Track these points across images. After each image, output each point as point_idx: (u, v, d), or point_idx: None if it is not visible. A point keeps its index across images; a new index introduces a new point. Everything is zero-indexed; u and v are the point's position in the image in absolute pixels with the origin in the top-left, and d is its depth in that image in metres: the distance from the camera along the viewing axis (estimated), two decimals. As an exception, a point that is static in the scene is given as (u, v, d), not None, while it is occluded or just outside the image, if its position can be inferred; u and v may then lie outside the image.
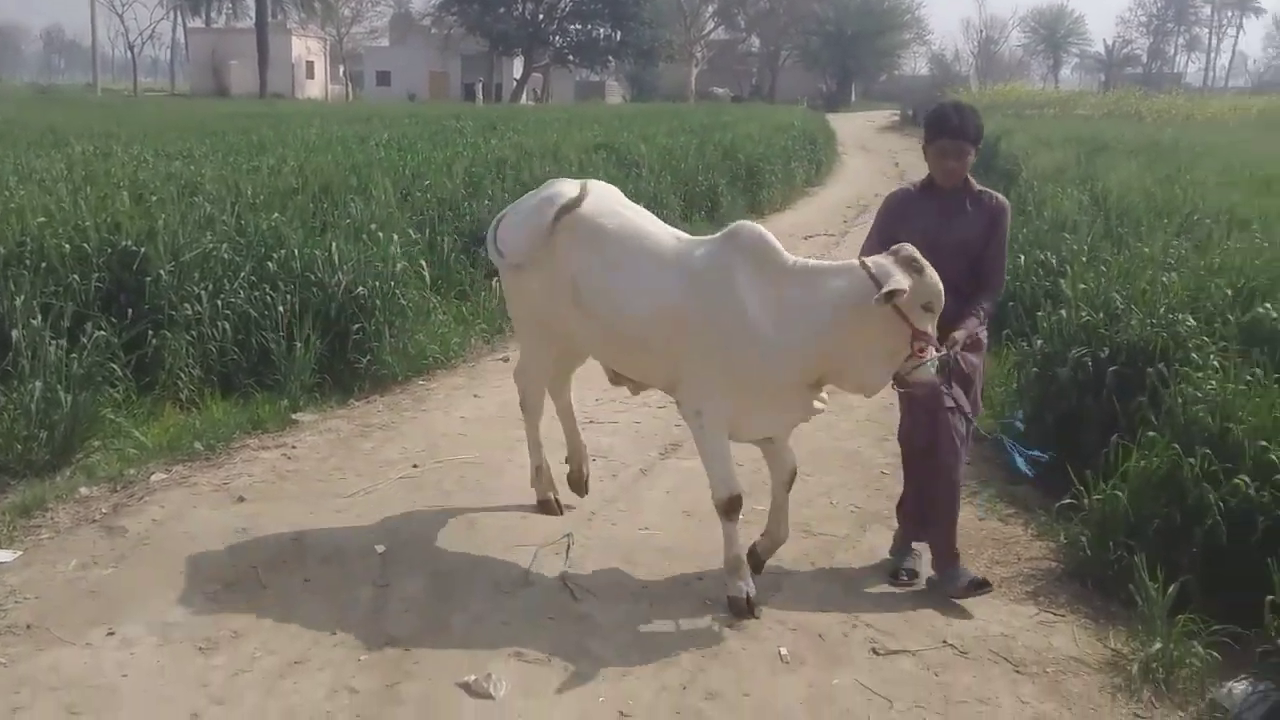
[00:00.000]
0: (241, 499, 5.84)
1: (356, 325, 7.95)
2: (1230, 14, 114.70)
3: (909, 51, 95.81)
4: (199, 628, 4.49)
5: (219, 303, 7.51)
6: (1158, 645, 4.36)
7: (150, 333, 7.06)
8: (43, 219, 7.66)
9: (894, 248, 4.47)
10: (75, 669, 4.16)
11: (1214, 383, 5.35)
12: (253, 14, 63.99)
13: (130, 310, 7.10)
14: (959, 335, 4.76)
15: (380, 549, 5.29)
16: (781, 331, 4.43)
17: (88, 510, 5.63)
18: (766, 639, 4.58)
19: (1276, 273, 6.97)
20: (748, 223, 4.71)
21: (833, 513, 5.91)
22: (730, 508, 4.73)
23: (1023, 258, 8.87)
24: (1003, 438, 4.93)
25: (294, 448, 6.65)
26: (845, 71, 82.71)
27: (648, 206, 14.14)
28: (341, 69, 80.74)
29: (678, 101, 60.43)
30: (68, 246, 7.31)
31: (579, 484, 5.87)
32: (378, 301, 8.16)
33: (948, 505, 5.00)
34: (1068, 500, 5.36)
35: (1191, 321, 6.17)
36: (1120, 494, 5.02)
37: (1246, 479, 4.70)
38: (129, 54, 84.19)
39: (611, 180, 14.02)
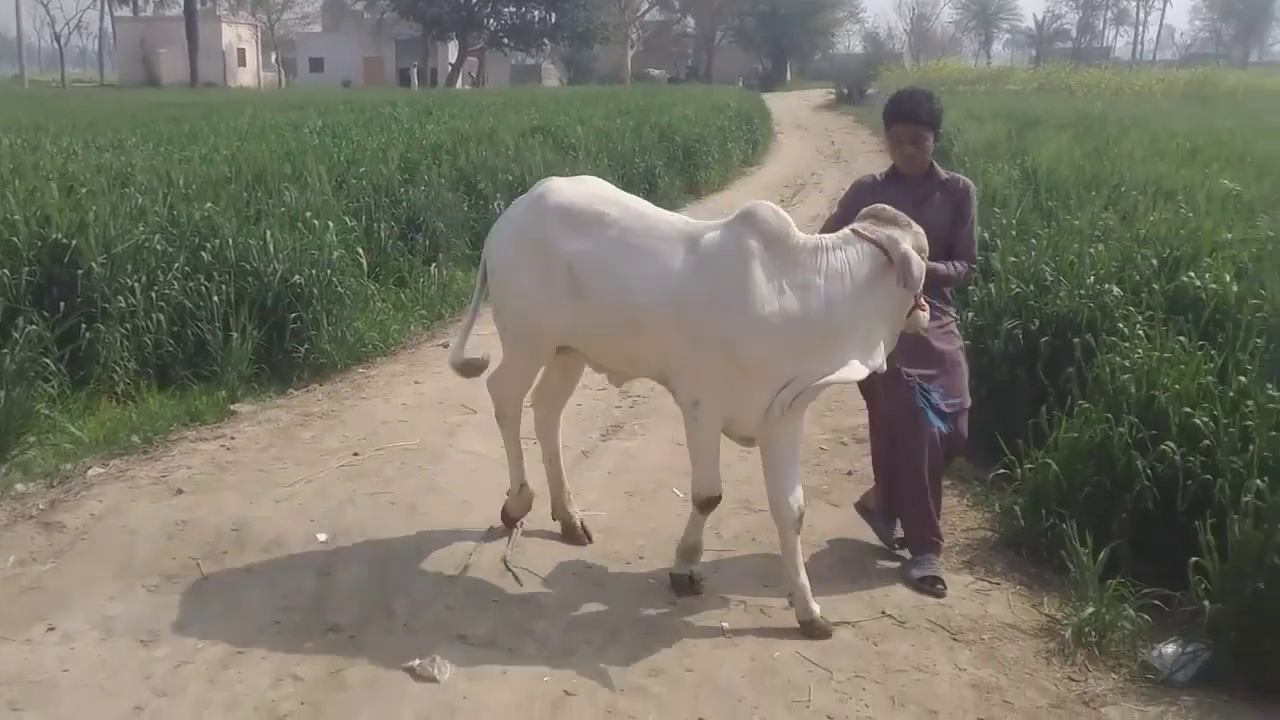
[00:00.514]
0: (180, 491, 5.81)
1: (294, 314, 7.91)
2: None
3: (843, 30, 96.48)
4: (140, 621, 4.47)
5: (153, 294, 7.44)
6: (1090, 610, 4.46)
7: (83, 326, 6.97)
8: (-31, 213, 7.54)
9: (869, 210, 4.43)
10: (15, 665, 4.13)
11: (1140, 351, 5.46)
12: (181, 1, 63.15)
13: (62, 304, 7.00)
14: (939, 267, 4.83)
15: (322, 537, 5.29)
16: (804, 313, 4.22)
17: (24, 507, 5.58)
18: (709, 615, 4.64)
19: (1200, 242, 7.12)
20: (763, 203, 4.43)
21: (773, 489, 5.96)
22: (708, 505, 4.69)
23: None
24: (918, 386, 4.91)
25: (233, 439, 6.62)
26: (780, 51, 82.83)
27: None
28: (274, 56, 79.86)
29: (614, 84, 60.36)
30: (-4, 241, 7.21)
31: (573, 531, 5.40)
32: (315, 290, 8.11)
33: (914, 495, 5.03)
34: (1001, 470, 5.47)
35: (1118, 292, 6.30)
36: (1051, 463, 5.12)
37: (1172, 445, 4.81)
38: (55, 44, 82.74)
39: (548, 164, 14.17)
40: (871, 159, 24.53)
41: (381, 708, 3.92)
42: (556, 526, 5.43)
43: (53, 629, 4.39)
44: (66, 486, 5.84)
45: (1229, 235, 7.39)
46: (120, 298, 7.26)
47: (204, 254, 7.95)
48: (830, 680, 4.18)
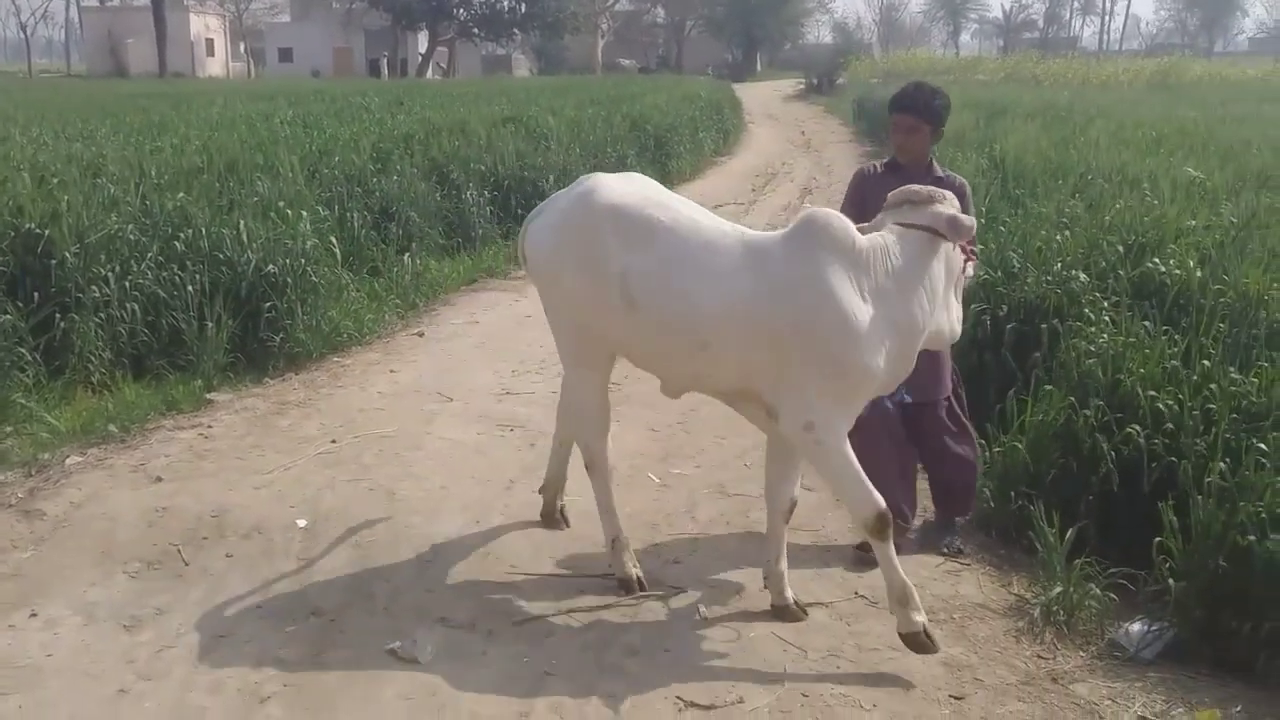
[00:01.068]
0: (159, 479, 5.84)
1: (268, 303, 7.93)
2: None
3: (812, 20, 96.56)
4: (122, 606, 4.51)
5: (127, 284, 7.46)
6: (1058, 589, 4.55)
7: (58, 316, 6.99)
8: (-59, 204, 7.53)
9: (901, 196, 4.31)
10: (-1, 651, 4.17)
11: (1106, 336, 5.57)
12: (149, -9, 62.62)
13: (36, 294, 7.03)
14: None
15: (301, 523, 5.33)
16: (889, 318, 4.11)
17: (3, 495, 5.59)
18: (685, 596, 4.71)
19: (1164, 229, 7.24)
20: (822, 210, 4.23)
21: (747, 474, 6.04)
22: (881, 525, 4.14)
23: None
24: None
25: (210, 427, 6.65)
26: (750, 41, 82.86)
27: (557, 179, 14.25)
28: (242, 46, 79.34)
29: (585, 74, 60.29)
30: (-32, 231, 7.21)
31: (551, 516, 5.39)
32: (289, 279, 8.14)
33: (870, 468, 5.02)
34: (970, 453, 5.55)
35: (1084, 278, 6.41)
36: (1019, 446, 5.23)
37: (1137, 428, 4.92)
38: (22, 35, 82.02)
39: (520, 153, 14.17)
40: (841, 149, 24.69)
41: (363, 689, 3.98)
42: (531, 512, 5.49)
43: (35, 615, 4.43)
44: (45, 475, 5.86)
45: (1193, 222, 7.51)
46: (94, 287, 7.26)
47: (177, 244, 7.96)
48: (805, 659, 4.26)
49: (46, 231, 7.37)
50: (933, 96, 5.18)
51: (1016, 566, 5.03)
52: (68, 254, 7.29)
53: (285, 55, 74.09)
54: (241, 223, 8.30)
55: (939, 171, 5.25)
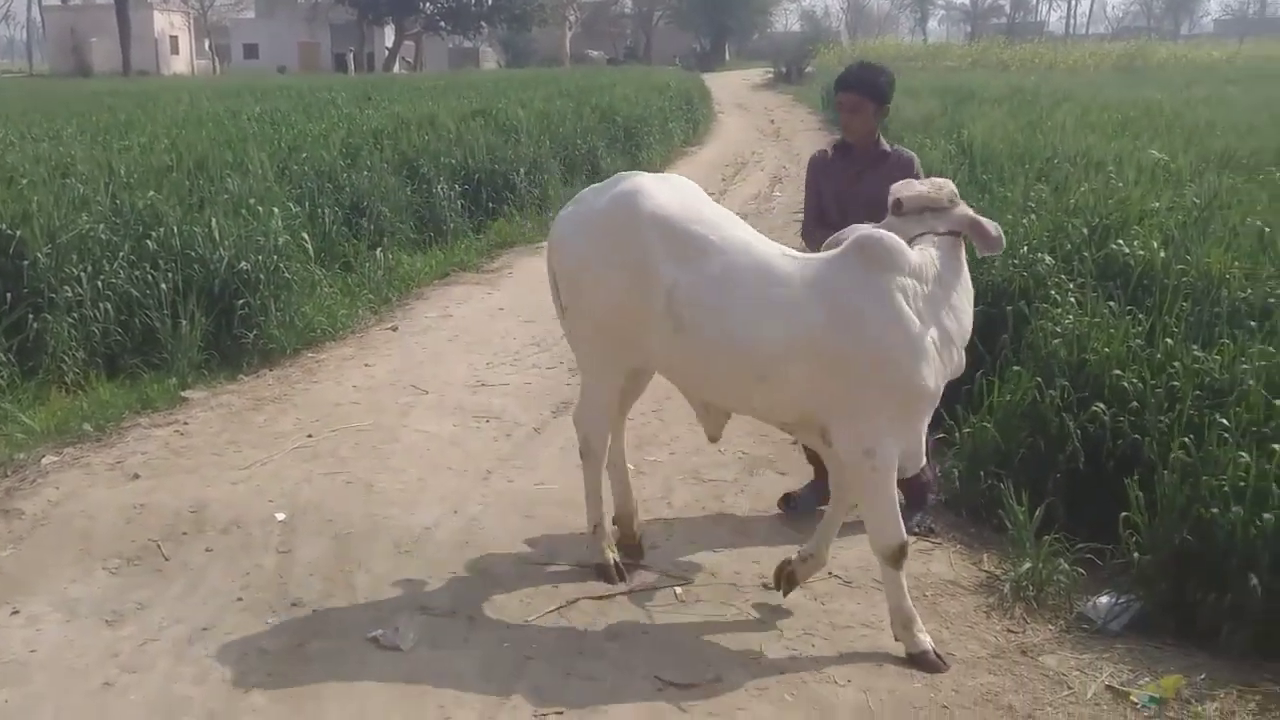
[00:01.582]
0: (137, 476, 5.86)
1: (241, 300, 7.95)
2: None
3: (780, 9, 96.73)
4: (104, 602, 4.54)
5: (99, 283, 7.47)
6: (1027, 565, 4.65)
7: (30, 316, 7.01)
8: (-90, 206, 7.52)
9: (918, 201, 4.20)
10: (-19, 648, 4.20)
11: (1071, 317, 5.67)
12: (111, -11, 62.13)
13: (8, 295, 7.03)
14: None
15: (280, 516, 5.37)
16: (943, 333, 4.04)
17: (-20, 495, 5.62)
18: (662, 580, 4.78)
19: (1129, 211, 7.34)
20: (871, 232, 4.07)
21: (721, 459, 6.12)
22: (900, 556, 4.13)
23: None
24: None
25: (186, 424, 6.67)
26: (719, 30, 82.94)
27: (528, 172, 14.27)
28: (207, 43, 78.74)
29: (553, 66, 60.22)
30: (-61, 233, 7.20)
31: (632, 540, 5.03)
32: (261, 276, 8.16)
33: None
34: (940, 435, 5.64)
35: (1050, 260, 6.51)
36: (988, 426, 5.32)
37: (1102, 406, 5.02)
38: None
39: (490, 147, 14.18)
40: (810, 137, 24.76)
41: (346, 676, 4.03)
42: (508, 500, 5.52)
43: (16, 612, 4.45)
44: (21, 475, 5.87)
45: (1157, 204, 7.62)
46: (66, 288, 7.27)
47: (149, 242, 7.96)
48: (781, 638, 4.34)
49: (18, 232, 7.38)
50: (876, 74, 5.27)
51: (986, 544, 5.11)
52: (39, 254, 7.30)
53: (251, 51, 73.74)
54: (213, 220, 8.31)
55: (886, 147, 5.35)
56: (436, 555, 5.00)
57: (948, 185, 4.31)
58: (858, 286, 3.97)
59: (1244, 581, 4.07)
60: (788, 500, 5.50)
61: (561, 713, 3.84)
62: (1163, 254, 6.38)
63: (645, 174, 4.43)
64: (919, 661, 4.16)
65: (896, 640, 4.24)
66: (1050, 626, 4.46)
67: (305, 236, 9.19)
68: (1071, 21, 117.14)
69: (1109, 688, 4.01)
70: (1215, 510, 4.23)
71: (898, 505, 4.12)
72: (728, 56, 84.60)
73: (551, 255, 4.56)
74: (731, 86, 47.96)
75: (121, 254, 7.76)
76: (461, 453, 6.22)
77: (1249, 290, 5.87)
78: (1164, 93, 21.46)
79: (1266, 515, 4.09)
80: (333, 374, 7.75)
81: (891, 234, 4.05)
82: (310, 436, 6.47)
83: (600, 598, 4.63)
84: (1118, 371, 5.16)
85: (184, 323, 7.48)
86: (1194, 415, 4.76)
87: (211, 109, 18.53)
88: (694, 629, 4.41)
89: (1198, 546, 4.28)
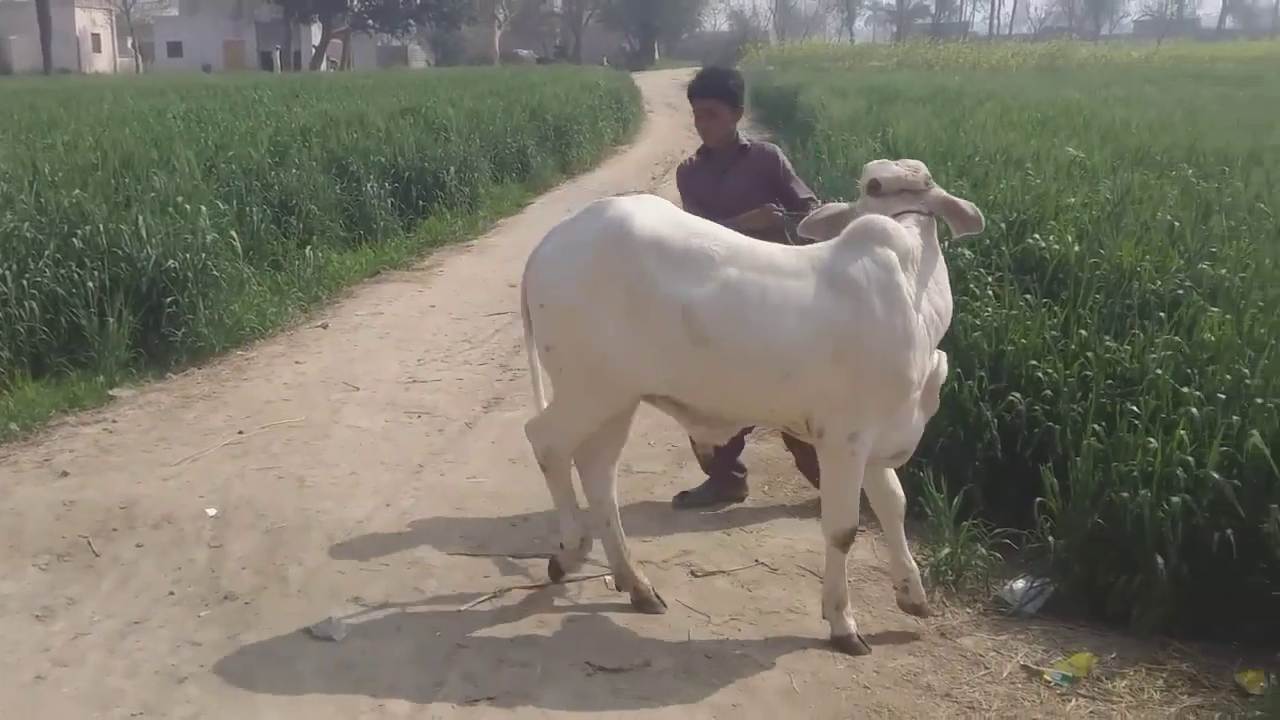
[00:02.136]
0: (65, 474, 5.84)
1: (170, 299, 7.92)
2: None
3: (709, 9, 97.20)
4: (34, 597, 4.54)
5: (24, 282, 7.39)
6: (946, 550, 4.79)
7: (-46, 316, 6.93)
8: None
9: (895, 183, 4.24)
10: (-90, 646, 4.18)
11: (990, 310, 5.83)
12: (32, -15, 60.93)
13: (-68, 294, 6.96)
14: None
15: (211, 512, 5.38)
16: (929, 316, 4.11)
17: (-96, 495, 5.57)
18: (592, 569, 4.85)
19: (1045, 206, 7.55)
20: (874, 218, 4.11)
21: (650, 452, 6.22)
22: (849, 539, 4.23)
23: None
24: None
25: (114, 422, 6.64)
26: (648, 30, 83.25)
27: (458, 170, 14.26)
28: (130, 41, 77.51)
29: (483, 65, 60.05)
30: None
31: (647, 602, 4.59)
32: (190, 274, 8.12)
33: None
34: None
35: (969, 255, 6.68)
36: (909, 416, 5.45)
37: (1019, 396, 5.18)
38: (-105, 32, 79.23)
39: (420, 145, 14.15)
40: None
41: (281, 667, 4.07)
42: (440, 495, 5.57)
43: (-54, 609, 4.44)
44: (-53, 474, 5.83)
45: (1072, 200, 7.84)
46: (-10, 286, 7.19)
47: (75, 240, 7.90)
48: (708, 624, 4.44)
49: (-61, 231, 7.29)
50: (726, 78, 5.46)
51: (908, 531, 5.18)
52: (-38, 253, 7.22)
53: (175, 50, 72.82)
54: (140, 218, 8.26)
55: (744, 142, 5.52)
56: (369, 548, 5.05)
57: (922, 167, 4.37)
58: (870, 272, 3.98)
59: (1152, 564, 4.21)
60: (683, 497, 5.61)
61: (493, 699, 3.90)
62: (1077, 248, 6.58)
63: (620, 198, 4.28)
64: (843, 644, 4.27)
65: (824, 619, 4.35)
66: (968, 610, 4.60)
67: (234, 235, 9.15)
68: (995, 22, 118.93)
69: (1024, 667, 4.15)
70: (1125, 495, 4.37)
71: (858, 492, 4.19)
72: (657, 56, 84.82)
73: (533, 296, 4.27)
74: (661, 86, 48.01)
75: (47, 252, 7.68)
76: (393, 448, 6.26)
77: (1159, 283, 6.07)
78: (1083, 92, 21.88)
79: (1174, 499, 4.23)
80: (263, 371, 7.74)
81: (889, 220, 4.10)
82: (241, 433, 6.47)
83: (531, 588, 4.70)
84: (1034, 362, 5.32)
85: (111, 321, 7.44)
86: (1105, 403, 4.91)
87: (136, 107, 18.32)
88: (623, 616, 4.49)
89: (1109, 531, 4.42)
